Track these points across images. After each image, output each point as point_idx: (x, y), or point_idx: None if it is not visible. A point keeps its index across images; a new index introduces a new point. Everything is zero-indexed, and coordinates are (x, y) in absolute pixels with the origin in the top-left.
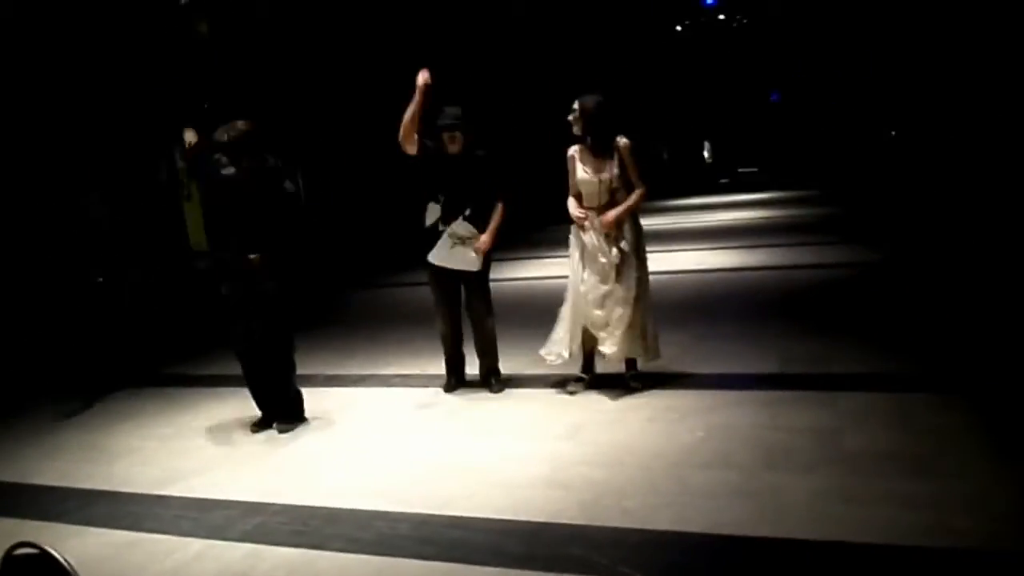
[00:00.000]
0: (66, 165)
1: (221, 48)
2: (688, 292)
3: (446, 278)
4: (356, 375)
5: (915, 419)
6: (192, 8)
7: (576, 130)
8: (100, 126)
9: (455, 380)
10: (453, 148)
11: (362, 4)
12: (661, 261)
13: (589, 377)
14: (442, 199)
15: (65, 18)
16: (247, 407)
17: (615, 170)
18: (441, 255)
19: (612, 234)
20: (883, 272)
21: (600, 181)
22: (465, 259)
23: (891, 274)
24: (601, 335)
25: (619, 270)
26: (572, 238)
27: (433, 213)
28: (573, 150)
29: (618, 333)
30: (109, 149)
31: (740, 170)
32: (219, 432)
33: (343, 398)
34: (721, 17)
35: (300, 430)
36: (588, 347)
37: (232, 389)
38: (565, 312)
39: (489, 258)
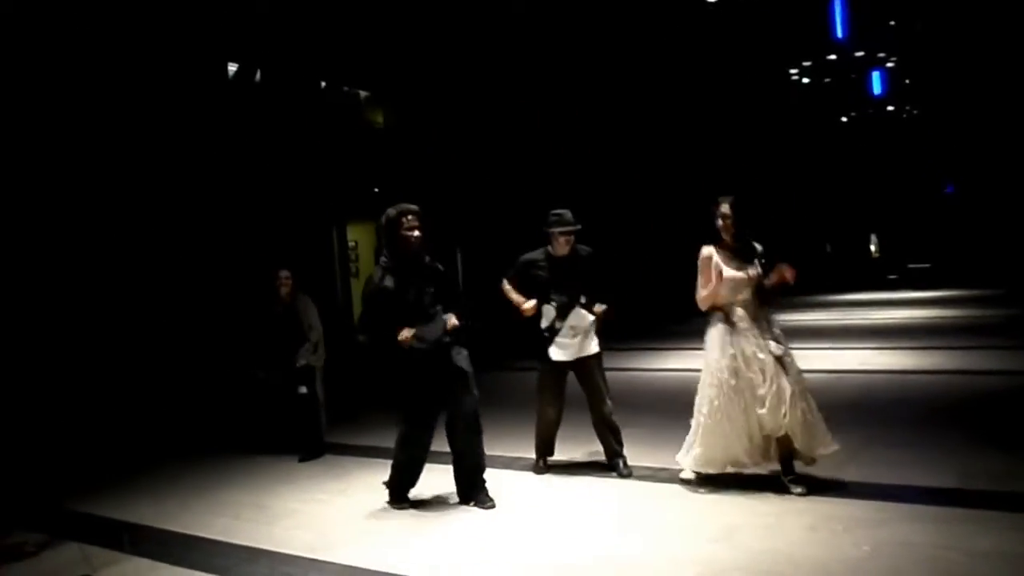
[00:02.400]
0: (248, 247)
1: (394, 136)
2: (853, 393)
3: (560, 371)
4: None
5: None
6: (368, 100)
7: (725, 234)
8: (274, 211)
9: (543, 463)
10: (563, 250)
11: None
12: (824, 359)
13: (791, 477)
14: (556, 300)
15: (247, 107)
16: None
17: (758, 268)
18: (564, 351)
19: (765, 328)
20: None
21: (749, 277)
22: (586, 346)
23: None
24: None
25: (783, 362)
26: (714, 333)
27: (548, 315)
28: (710, 250)
29: (799, 430)
30: (286, 231)
31: (910, 265)
32: (373, 501)
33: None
34: (890, 108)
35: (448, 508)
36: (782, 447)
37: (386, 460)
38: (708, 419)
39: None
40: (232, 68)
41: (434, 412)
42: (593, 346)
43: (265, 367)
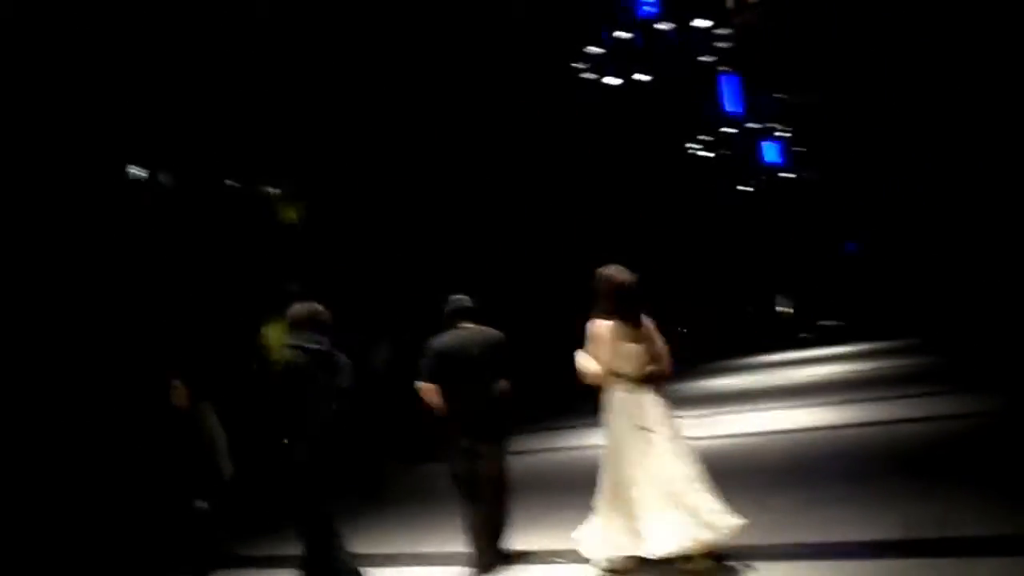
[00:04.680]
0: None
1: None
2: (783, 454)
3: (463, 457)
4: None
5: None
6: (281, 197)
7: (607, 306)
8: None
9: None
10: (463, 333)
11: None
12: (749, 421)
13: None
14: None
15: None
16: None
17: (655, 346)
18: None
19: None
20: (1003, 420)
21: (638, 357)
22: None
23: (1013, 422)
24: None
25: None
26: (611, 416)
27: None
28: (604, 326)
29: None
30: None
31: (821, 323)
32: None
33: None
34: (787, 175)
35: None
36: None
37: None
38: (607, 503)
39: (505, 429)
40: (136, 172)
41: None
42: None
43: (164, 483)
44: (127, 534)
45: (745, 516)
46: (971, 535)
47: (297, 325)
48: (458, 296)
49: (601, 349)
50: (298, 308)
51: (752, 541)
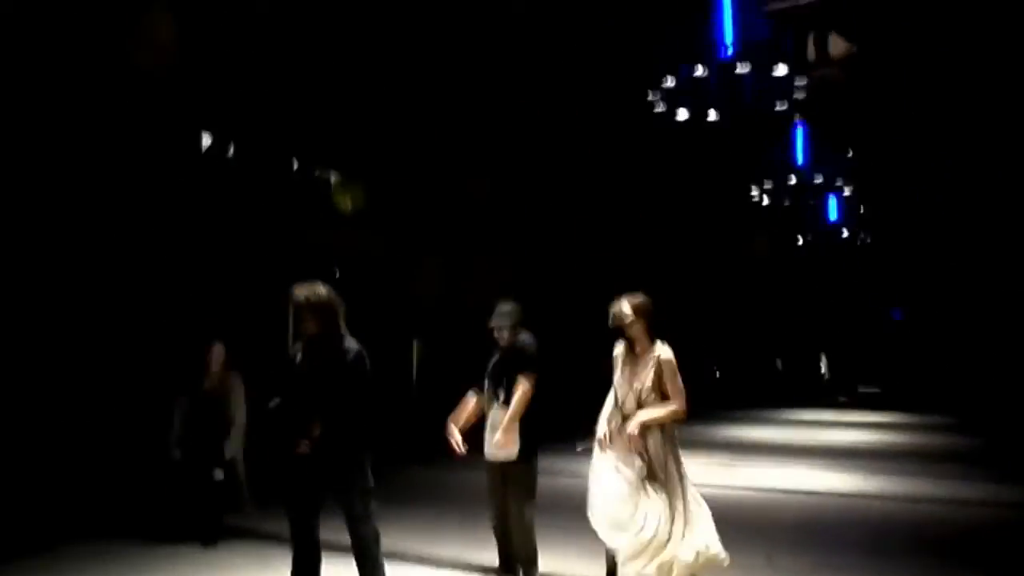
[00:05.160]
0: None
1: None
2: (801, 514)
3: (490, 468)
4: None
5: None
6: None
7: (629, 331)
8: (230, 287)
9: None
10: (501, 343)
11: None
12: (770, 476)
13: None
14: (484, 388)
15: (216, 179)
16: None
17: (648, 381)
18: (487, 447)
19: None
20: None
21: (632, 389)
22: (493, 447)
23: None
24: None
25: (645, 486)
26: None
27: (466, 405)
28: (619, 349)
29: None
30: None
31: (861, 389)
32: None
33: None
34: (844, 234)
35: None
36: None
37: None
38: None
39: (531, 445)
40: (206, 139)
41: None
42: (500, 451)
43: (184, 448)
44: (141, 496)
45: (752, 570)
46: None
47: (298, 309)
48: (504, 306)
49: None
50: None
51: None
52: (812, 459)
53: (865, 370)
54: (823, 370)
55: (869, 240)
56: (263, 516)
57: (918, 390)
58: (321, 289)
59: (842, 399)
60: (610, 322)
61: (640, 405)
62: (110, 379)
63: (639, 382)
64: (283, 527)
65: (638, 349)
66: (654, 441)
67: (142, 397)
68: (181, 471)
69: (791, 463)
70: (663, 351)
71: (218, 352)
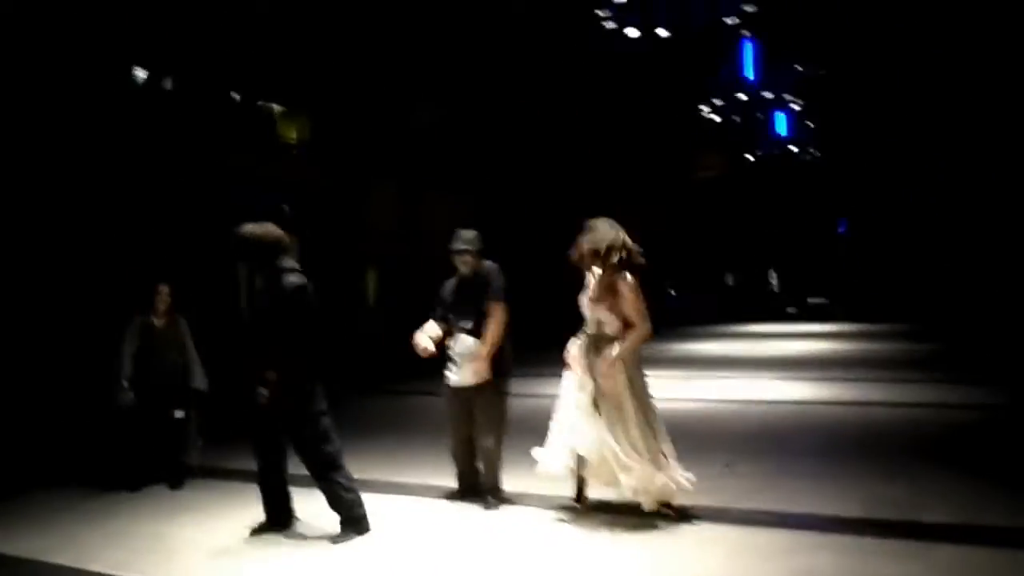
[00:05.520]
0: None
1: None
2: (758, 423)
3: (454, 395)
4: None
5: None
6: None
7: (588, 261)
8: (175, 222)
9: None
10: (464, 270)
11: None
12: (728, 388)
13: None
14: (448, 317)
15: (155, 114)
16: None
17: (609, 305)
18: (452, 375)
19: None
20: (984, 412)
21: (594, 312)
22: (467, 374)
23: (995, 415)
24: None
25: (597, 403)
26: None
27: (431, 330)
28: (588, 275)
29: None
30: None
31: (809, 301)
32: (269, 535)
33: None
34: (793, 149)
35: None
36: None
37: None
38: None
39: (503, 370)
40: (141, 74)
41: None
42: (472, 374)
43: (139, 387)
44: (101, 440)
45: (713, 479)
46: (929, 521)
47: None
48: (463, 230)
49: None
50: (269, 228)
51: (718, 504)
52: (765, 370)
53: (813, 282)
54: (773, 284)
55: (818, 155)
56: (224, 453)
57: (864, 300)
58: (256, 229)
59: (791, 311)
60: (574, 254)
61: (600, 327)
62: (53, 321)
63: (602, 306)
64: (247, 463)
65: (601, 274)
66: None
67: (88, 339)
68: (137, 413)
69: (745, 375)
70: (624, 277)
71: (164, 292)
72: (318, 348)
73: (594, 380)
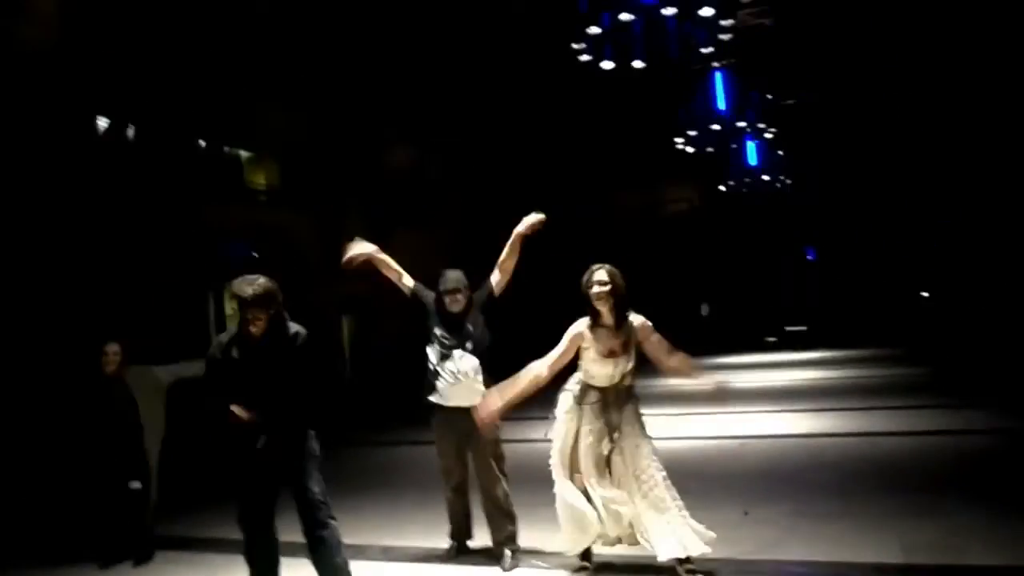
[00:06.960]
0: None
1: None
2: (762, 461)
3: (449, 427)
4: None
5: None
6: (250, 161)
7: (602, 307)
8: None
9: (456, 549)
10: (455, 308)
11: None
12: (724, 424)
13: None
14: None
15: (118, 164)
16: None
17: (631, 356)
18: (445, 392)
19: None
20: (988, 436)
21: (616, 366)
22: (468, 393)
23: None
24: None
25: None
26: (563, 409)
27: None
28: (582, 326)
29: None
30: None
31: (787, 328)
32: None
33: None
34: (766, 178)
35: None
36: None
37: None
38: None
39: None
40: (103, 123)
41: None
42: (471, 395)
43: (93, 461)
44: (60, 517)
45: (733, 528)
46: (976, 564)
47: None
48: (447, 270)
49: (562, 353)
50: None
51: (741, 555)
52: (758, 403)
53: (789, 310)
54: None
55: (789, 182)
56: (194, 523)
57: (844, 326)
58: (262, 280)
59: (770, 339)
60: (587, 289)
61: (624, 377)
62: (13, 385)
63: (625, 358)
64: (221, 531)
65: (608, 321)
66: (632, 409)
67: (48, 404)
68: (95, 486)
69: (738, 409)
70: (638, 318)
71: (113, 352)
72: (321, 398)
73: (615, 433)
